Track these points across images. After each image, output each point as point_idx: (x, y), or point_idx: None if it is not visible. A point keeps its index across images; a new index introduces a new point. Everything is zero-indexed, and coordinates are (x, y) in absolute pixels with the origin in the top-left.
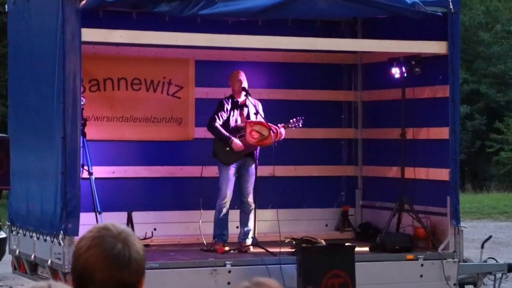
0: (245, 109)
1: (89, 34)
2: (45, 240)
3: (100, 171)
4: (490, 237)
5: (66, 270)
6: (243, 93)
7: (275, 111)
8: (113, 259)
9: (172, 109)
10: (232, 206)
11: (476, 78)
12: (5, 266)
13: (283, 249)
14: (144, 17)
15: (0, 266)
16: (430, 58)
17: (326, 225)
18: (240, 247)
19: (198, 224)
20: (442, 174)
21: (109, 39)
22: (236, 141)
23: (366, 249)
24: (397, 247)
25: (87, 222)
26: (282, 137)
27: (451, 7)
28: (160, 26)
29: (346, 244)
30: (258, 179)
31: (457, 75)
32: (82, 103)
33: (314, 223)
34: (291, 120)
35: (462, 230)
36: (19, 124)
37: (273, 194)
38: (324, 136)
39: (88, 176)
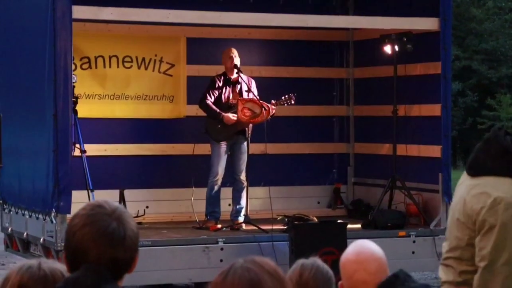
0: (238, 86)
1: (79, 12)
2: (37, 218)
3: (92, 149)
4: None
5: (59, 248)
6: (235, 70)
7: (267, 89)
8: (108, 237)
9: (164, 86)
10: (224, 184)
11: (468, 55)
12: None
13: (275, 227)
14: None
15: None
16: (422, 34)
17: (318, 203)
18: (233, 225)
19: (190, 202)
20: (434, 151)
21: (100, 16)
22: (227, 114)
23: (358, 226)
24: (389, 224)
25: (79, 200)
26: (273, 113)
27: None
28: (151, 3)
29: (338, 221)
30: (250, 157)
31: (448, 52)
32: (73, 80)
33: (306, 201)
34: (283, 97)
35: None
36: (10, 102)
37: (265, 172)
38: (316, 113)
39: (80, 154)
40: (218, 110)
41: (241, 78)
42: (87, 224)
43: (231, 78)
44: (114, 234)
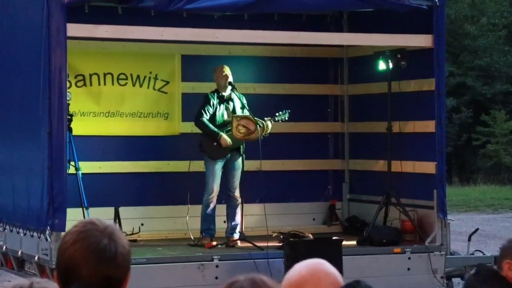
0: (231, 104)
1: (74, 29)
2: (32, 236)
3: (86, 167)
4: (477, 229)
5: (53, 266)
6: (229, 87)
7: (262, 105)
8: (99, 254)
9: (159, 104)
10: (219, 201)
11: (462, 71)
12: None
13: (270, 244)
14: (130, 12)
15: None
16: (416, 51)
17: (314, 219)
18: (228, 242)
19: (185, 219)
20: (428, 167)
21: (94, 34)
22: (225, 136)
23: (354, 242)
24: (384, 241)
25: (74, 217)
26: (269, 131)
27: (436, 0)
28: (145, 21)
29: (334, 238)
30: (245, 174)
31: (442, 68)
32: (68, 98)
33: (301, 217)
34: (277, 114)
35: (449, 223)
36: (5, 119)
37: (260, 189)
38: (310, 130)
39: (74, 172)
40: (216, 130)
41: (235, 94)
42: (78, 241)
43: (224, 95)
44: (106, 250)
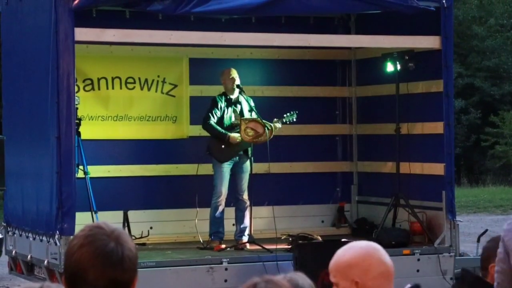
0: (238, 106)
1: (82, 34)
2: (41, 240)
3: (95, 171)
4: (486, 230)
5: (63, 270)
6: (237, 90)
7: (270, 108)
8: (106, 257)
9: (167, 107)
10: (227, 204)
11: (470, 72)
12: (2, 267)
13: (279, 246)
14: (137, 16)
15: None
16: (424, 53)
17: (322, 221)
18: (237, 245)
19: (194, 222)
20: (437, 168)
21: (102, 38)
22: (233, 134)
23: None
24: (393, 242)
25: (83, 221)
26: (277, 130)
27: (444, 1)
28: (153, 25)
29: (343, 240)
30: (253, 176)
31: (450, 70)
32: (76, 102)
33: (310, 220)
34: (284, 115)
35: (458, 224)
36: (14, 124)
37: (269, 191)
38: (319, 132)
39: (83, 176)
40: (223, 131)
41: (242, 97)
42: (85, 245)
43: (231, 98)
44: (112, 254)
